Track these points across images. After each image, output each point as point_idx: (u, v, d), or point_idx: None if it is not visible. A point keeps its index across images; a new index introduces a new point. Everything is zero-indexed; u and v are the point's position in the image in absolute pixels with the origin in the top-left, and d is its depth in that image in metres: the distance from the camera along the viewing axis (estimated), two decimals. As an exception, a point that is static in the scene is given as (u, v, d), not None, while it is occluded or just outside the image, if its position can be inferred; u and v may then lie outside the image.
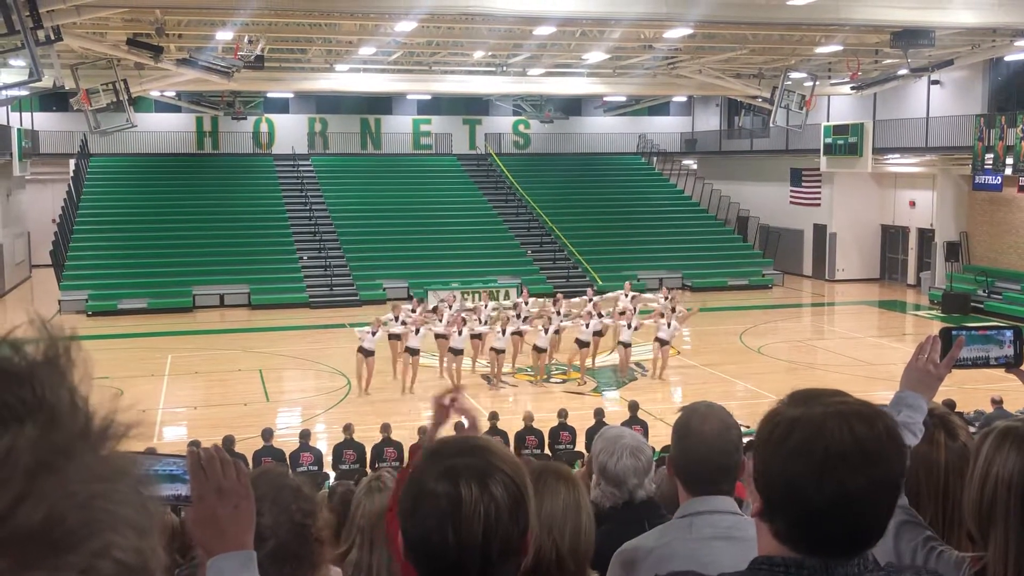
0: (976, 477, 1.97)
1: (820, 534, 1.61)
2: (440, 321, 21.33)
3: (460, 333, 20.50)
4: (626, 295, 24.45)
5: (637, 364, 22.33)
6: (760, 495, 1.68)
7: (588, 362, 21.63)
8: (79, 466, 0.68)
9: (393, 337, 20.84)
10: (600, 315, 21.91)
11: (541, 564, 2.57)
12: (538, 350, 21.03)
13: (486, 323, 21.66)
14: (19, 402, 0.68)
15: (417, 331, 20.28)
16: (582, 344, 21.15)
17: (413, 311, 21.37)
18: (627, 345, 21.43)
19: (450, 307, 23.07)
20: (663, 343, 21.19)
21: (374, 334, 20.02)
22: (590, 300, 23.27)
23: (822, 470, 1.57)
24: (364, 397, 19.91)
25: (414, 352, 20.19)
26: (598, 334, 21.71)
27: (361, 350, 19.95)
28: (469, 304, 25.17)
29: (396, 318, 20.97)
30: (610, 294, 25.26)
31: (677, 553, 2.62)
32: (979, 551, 2.08)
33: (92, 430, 0.71)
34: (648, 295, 25.29)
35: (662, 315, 21.81)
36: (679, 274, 35.28)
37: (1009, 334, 2.55)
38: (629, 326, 21.34)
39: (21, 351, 0.72)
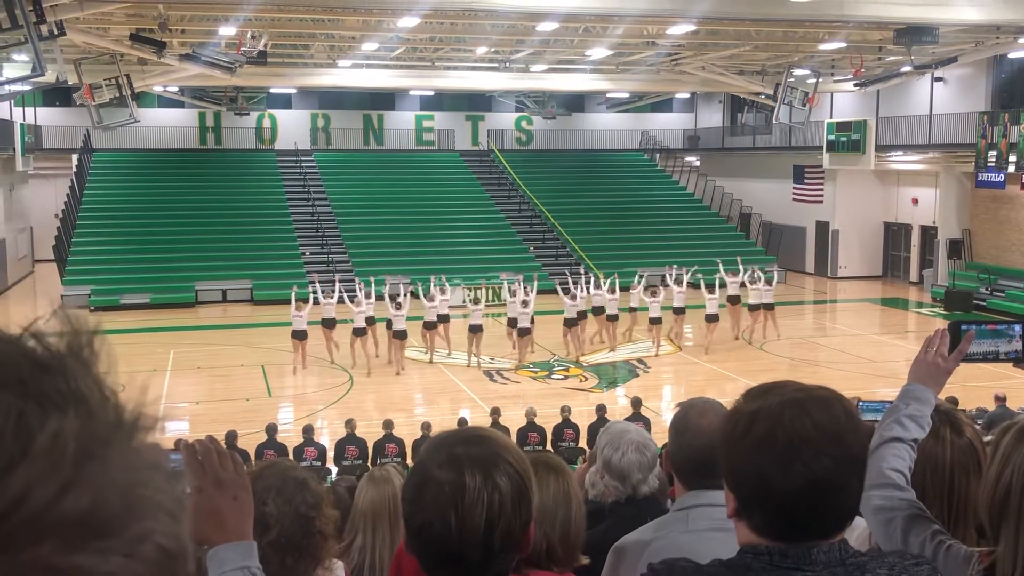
0: (993, 471, 1.95)
1: (797, 521, 1.64)
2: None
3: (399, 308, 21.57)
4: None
5: (639, 361, 22.32)
6: (733, 493, 1.70)
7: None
8: (118, 455, 0.70)
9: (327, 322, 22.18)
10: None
11: (532, 554, 2.58)
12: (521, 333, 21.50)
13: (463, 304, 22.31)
14: (56, 392, 0.69)
15: (340, 300, 21.93)
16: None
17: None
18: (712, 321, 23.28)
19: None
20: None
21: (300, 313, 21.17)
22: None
23: (787, 457, 1.61)
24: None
25: (360, 332, 21.55)
26: (612, 318, 22.96)
27: (325, 322, 22.08)
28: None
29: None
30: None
31: (673, 545, 2.62)
32: (987, 547, 2.06)
33: (124, 421, 0.73)
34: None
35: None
36: (682, 271, 35.11)
37: (1019, 328, 2.52)
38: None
39: (45, 343, 0.73)
